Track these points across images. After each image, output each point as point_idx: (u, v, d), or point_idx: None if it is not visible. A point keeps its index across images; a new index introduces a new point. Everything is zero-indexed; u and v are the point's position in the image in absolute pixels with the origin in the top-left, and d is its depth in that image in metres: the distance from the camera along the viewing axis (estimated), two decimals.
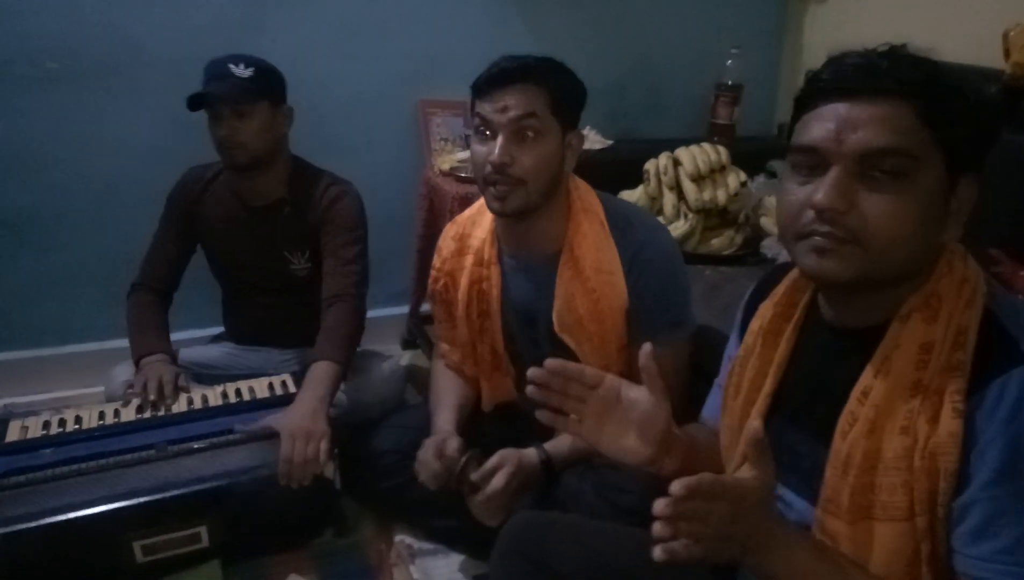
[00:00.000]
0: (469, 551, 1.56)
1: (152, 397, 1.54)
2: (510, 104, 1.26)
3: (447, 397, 1.54)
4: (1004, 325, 0.74)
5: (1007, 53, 1.84)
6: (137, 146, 2.05)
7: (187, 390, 1.61)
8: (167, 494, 1.36)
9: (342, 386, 1.61)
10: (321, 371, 1.54)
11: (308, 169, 1.77)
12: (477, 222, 1.50)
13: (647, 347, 0.94)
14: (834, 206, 0.74)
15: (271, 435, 1.45)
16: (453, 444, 1.35)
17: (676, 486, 0.73)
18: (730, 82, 2.45)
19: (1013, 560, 0.70)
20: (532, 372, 0.96)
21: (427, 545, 1.60)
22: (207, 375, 1.75)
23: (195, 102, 1.56)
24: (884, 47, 0.78)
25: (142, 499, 1.35)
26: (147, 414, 1.53)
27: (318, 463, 1.41)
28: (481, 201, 1.51)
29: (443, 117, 2.34)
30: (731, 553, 0.76)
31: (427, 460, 1.34)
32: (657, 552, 0.73)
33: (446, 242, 1.53)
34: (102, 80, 1.98)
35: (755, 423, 0.80)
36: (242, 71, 1.59)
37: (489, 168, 1.28)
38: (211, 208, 1.75)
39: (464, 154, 2.23)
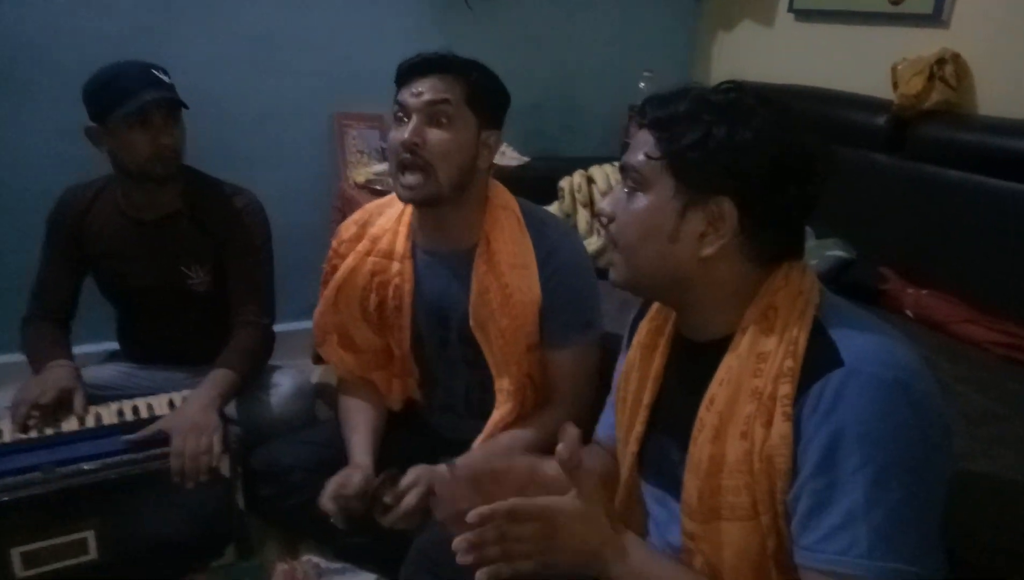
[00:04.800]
0: (379, 569, 1.52)
1: (44, 399, 1.43)
2: (425, 88, 1.29)
3: (356, 420, 1.49)
4: (828, 333, 0.80)
5: (895, 85, 1.96)
6: (33, 154, 1.94)
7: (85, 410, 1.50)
8: (45, 488, 1.28)
9: (241, 406, 1.56)
10: (217, 374, 1.51)
11: (202, 178, 1.70)
12: (383, 212, 1.49)
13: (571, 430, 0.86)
14: (605, 214, 0.91)
15: (162, 439, 1.39)
16: (355, 481, 1.32)
17: (471, 516, 0.79)
18: None
19: (831, 548, 0.75)
20: (458, 543, 0.84)
21: (335, 564, 1.55)
22: (101, 397, 1.64)
23: (135, 111, 1.48)
24: (679, 88, 0.88)
25: (18, 494, 1.25)
26: (32, 434, 1.43)
27: (211, 456, 1.36)
28: (392, 194, 1.49)
29: (359, 130, 2.32)
30: (569, 566, 0.82)
31: (325, 503, 1.31)
32: (479, 575, 0.79)
33: (347, 226, 1.51)
34: None
35: (559, 447, 0.84)
36: (165, 77, 1.54)
37: (401, 149, 1.29)
38: (98, 227, 1.66)
39: (380, 167, 2.22)
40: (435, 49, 1.34)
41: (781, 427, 0.78)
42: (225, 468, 1.42)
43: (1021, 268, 1.67)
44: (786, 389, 0.79)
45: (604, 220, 0.91)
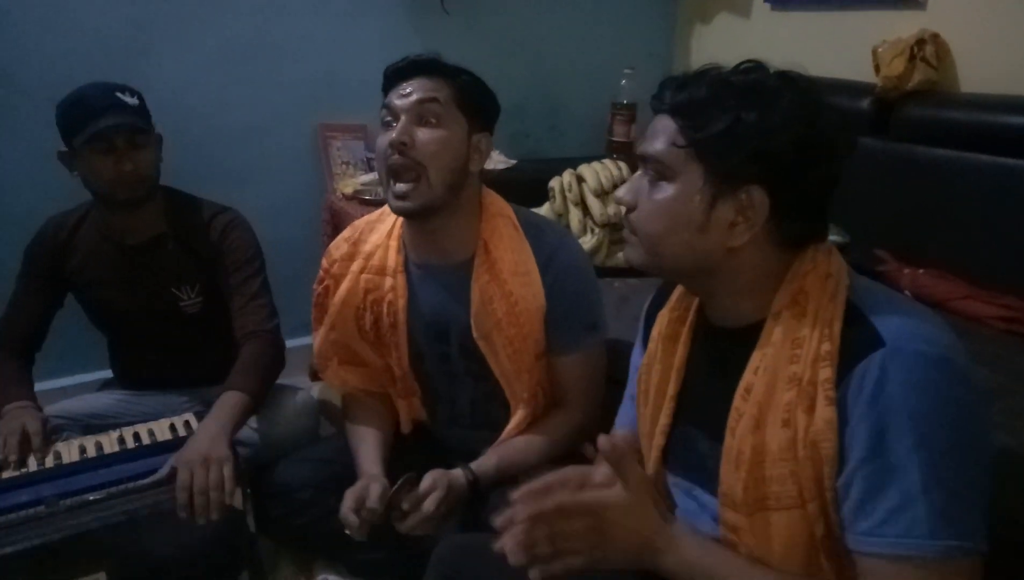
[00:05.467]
0: None
1: (12, 456, 1.38)
2: (414, 88, 1.28)
3: (364, 433, 1.47)
4: (864, 313, 0.79)
5: (877, 68, 1.98)
6: (11, 180, 1.90)
7: (52, 444, 1.44)
8: (57, 536, 1.23)
9: (254, 424, 1.52)
10: (227, 399, 1.45)
11: (184, 199, 1.67)
12: (375, 228, 1.46)
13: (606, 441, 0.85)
14: (625, 202, 0.89)
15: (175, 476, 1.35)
16: (375, 492, 1.28)
17: (520, 515, 0.79)
18: (625, 101, 2.53)
19: (891, 531, 0.74)
20: (507, 542, 0.84)
21: None
22: (99, 426, 1.60)
23: (93, 137, 1.44)
24: (696, 70, 0.86)
25: (30, 544, 1.21)
26: (19, 470, 1.38)
27: (222, 492, 1.30)
28: (383, 209, 1.48)
29: (343, 140, 2.30)
30: (621, 561, 0.82)
31: (346, 516, 1.28)
32: (532, 576, 0.79)
33: (338, 244, 1.48)
34: None
35: (602, 437, 0.83)
36: (130, 100, 1.49)
37: (390, 151, 1.26)
38: (82, 255, 1.62)
39: (367, 177, 2.19)
40: (417, 53, 1.32)
41: (825, 412, 0.77)
42: (237, 500, 1.37)
43: (1014, 241, 1.69)
44: (826, 373, 0.77)
45: (622, 208, 0.89)
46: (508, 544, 0.79)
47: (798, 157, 0.80)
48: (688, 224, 0.83)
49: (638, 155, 0.88)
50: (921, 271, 1.77)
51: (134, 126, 1.48)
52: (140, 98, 1.53)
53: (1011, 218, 1.69)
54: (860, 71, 2.06)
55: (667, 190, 0.84)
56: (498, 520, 0.84)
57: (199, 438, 1.37)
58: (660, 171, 0.84)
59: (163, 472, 1.35)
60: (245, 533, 1.43)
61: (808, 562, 0.81)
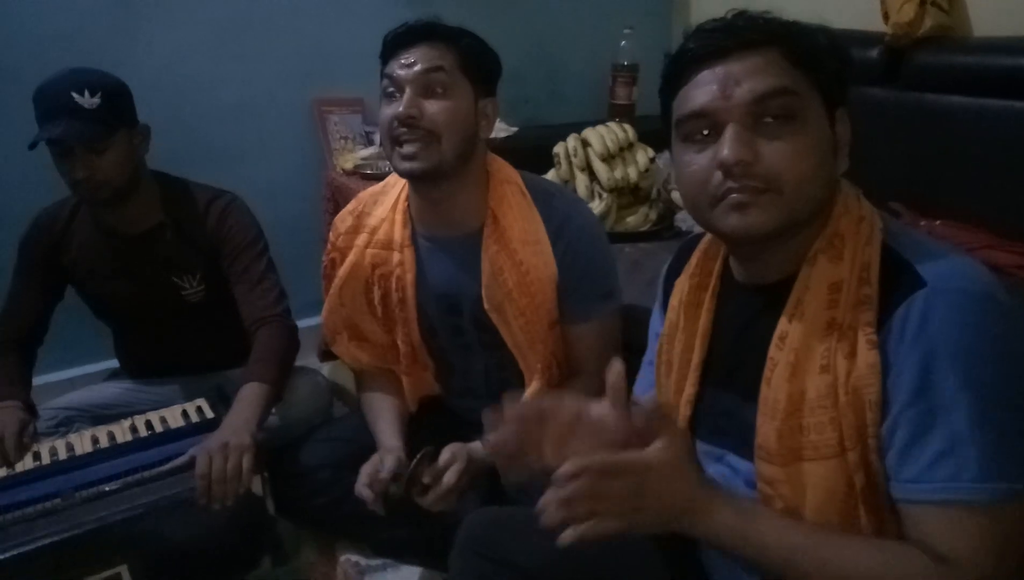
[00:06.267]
0: (422, 561, 1.49)
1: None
2: (417, 57, 1.23)
3: (381, 406, 1.46)
4: (902, 255, 0.77)
5: (886, 16, 1.92)
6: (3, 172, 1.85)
7: (29, 447, 1.41)
8: (77, 531, 1.21)
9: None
10: (248, 392, 1.42)
11: (179, 186, 1.62)
12: (379, 201, 1.43)
13: (616, 366, 0.85)
14: (742, 157, 0.76)
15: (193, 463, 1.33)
16: (389, 463, 1.27)
17: (561, 473, 0.75)
18: (626, 63, 2.48)
19: (939, 475, 0.71)
20: (490, 440, 0.88)
21: (375, 561, 1.51)
22: (108, 417, 1.57)
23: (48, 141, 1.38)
24: (733, 11, 0.83)
25: (51, 540, 1.20)
26: (45, 460, 1.37)
27: (239, 480, 1.28)
28: (386, 181, 1.44)
29: (340, 115, 2.25)
30: (658, 524, 0.79)
31: (360, 491, 1.26)
32: (565, 536, 0.76)
33: (343, 217, 1.46)
34: None
35: (646, 398, 0.82)
36: (89, 100, 1.38)
37: (395, 124, 1.22)
38: (78, 248, 1.58)
39: (367, 151, 2.15)
40: (416, 19, 1.27)
41: (868, 356, 0.74)
42: (257, 487, 1.36)
43: None
44: (868, 317, 0.75)
45: (737, 169, 0.77)
46: (547, 500, 0.77)
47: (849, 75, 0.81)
48: (828, 151, 0.80)
49: (756, 98, 0.77)
50: (938, 222, 1.73)
51: (83, 136, 1.39)
52: (105, 94, 1.41)
53: None
54: (869, 20, 2.00)
55: (799, 123, 0.77)
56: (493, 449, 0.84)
57: (222, 429, 1.34)
58: (788, 105, 0.77)
59: (182, 460, 1.33)
60: (265, 518, 1.42)
61: (846, 515, 0.79)
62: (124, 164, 1.46)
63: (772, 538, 0.78)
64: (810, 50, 0.79)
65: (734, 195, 0.78)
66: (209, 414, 1.49)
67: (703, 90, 0.79)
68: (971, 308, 0.71)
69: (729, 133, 0.77)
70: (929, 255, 0.76)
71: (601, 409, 0.84)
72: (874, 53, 1.95)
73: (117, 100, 1.45)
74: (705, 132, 0.80)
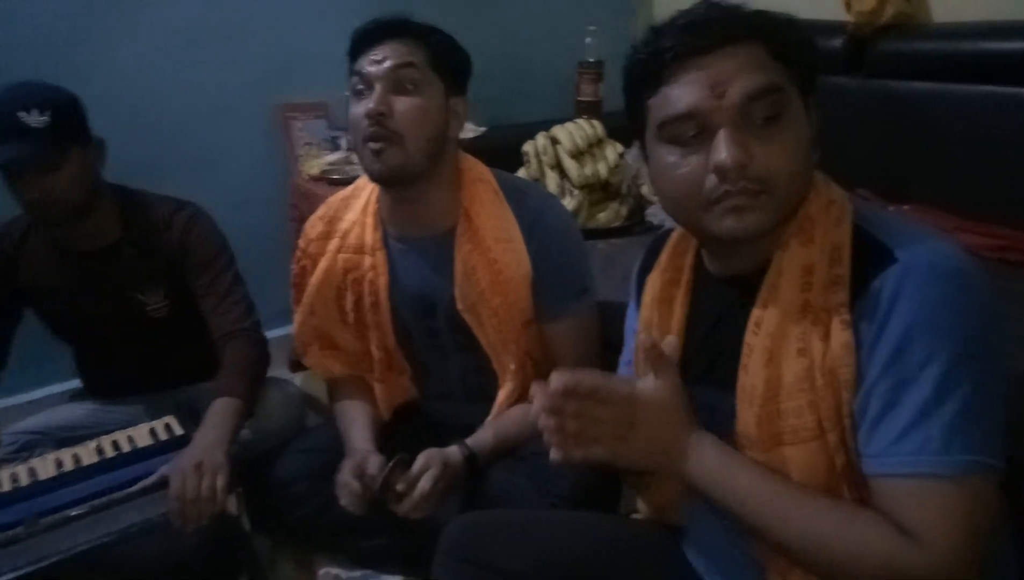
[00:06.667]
0: (403, 570, 1.45)
1: None
2: (387, 54, 1.21)
3: (354, 413, 1.43)
4: (873, 235, 0.77)
5: (847, 5, 1.94)
6: None
7: None
8: (42, 564, 1.16)
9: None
10: (219, 408, 1.38)
11: (139, 199, 1.56)
12: (349, 205, 1.40)
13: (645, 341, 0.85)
14: (740, 161, 0.74)
15: (165, 484, 1.28)
16: (374, 462, 1.25)
17: (554, 380, 0.78)
18: (591, 59, 2.47)
19: (904, 450, 0.71)
20: (541, 402, 0.82)
21: (355, 572, 1.47)
22: (72, 439, 1.50)
23: None
24: (701, 6, 0.80)
25: (13, 575, 1.14)
26: (5, 486, 1.31)
27: (214, 500, 1.24)
28: (355, 184, 1.42)
29: (304, 121, 2.22)
30: (642, 457, 0.82)
31: (347, 482, 1.24)
32: (552, 454, 0.81)
33: (313, 223, 1.42)
34: None
35: (642, 335, 0.83)
36: (37, 119, 1.31)
37: (366, 122, 1.20)
38: (33, 266, 1.52)
39: (333, 156, 2.12)
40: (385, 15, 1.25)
41: (841, 336, 0.74)
42: (233, 507, 1.32)
43: (996, 170, 1.68)
44: (841, 297, 0.75)
45: (734, 173, 0.75)
46: (540, 406, 0.79)
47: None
48: (809, 147, 0.79)
49: (713, 111, 0.75)
50: (906, 207, 1.75)
51: (32, 158, 1.32)
52: (54, 111, 1.34)
53: (993, 147, 1.67)
54: (830, 10, 2.01)
55: (786, 119, 0.76)
56: (532, 387, 0.83)
57: (194, 447, 1.30)
58: (776, 102, 0.76)
59: (152, 480, 1.29)
60: (241, 535, 1.38)
61: (830, 495, 0.79)
62: (79, 182, 1.40)
63: (745, 487, 0.79)
64: (789, 43, 0.78)
65: (732, 199, 0.76)
66: (178, 431, 1.44)
67: (690, 90, 0.76)
68: (942, 283, 0.71)
69: (724, 136, 0.75)
70: (901, 233, 0.76)
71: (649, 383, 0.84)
72: (838, 43, 1.97)
73: (67, 116, 1.38)
74: (692, 133, 0.78)
